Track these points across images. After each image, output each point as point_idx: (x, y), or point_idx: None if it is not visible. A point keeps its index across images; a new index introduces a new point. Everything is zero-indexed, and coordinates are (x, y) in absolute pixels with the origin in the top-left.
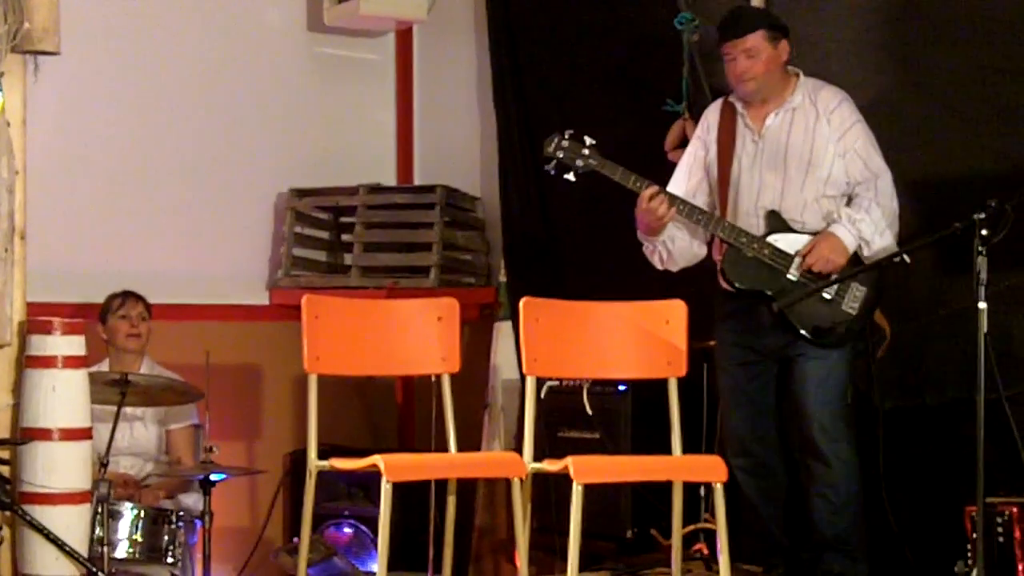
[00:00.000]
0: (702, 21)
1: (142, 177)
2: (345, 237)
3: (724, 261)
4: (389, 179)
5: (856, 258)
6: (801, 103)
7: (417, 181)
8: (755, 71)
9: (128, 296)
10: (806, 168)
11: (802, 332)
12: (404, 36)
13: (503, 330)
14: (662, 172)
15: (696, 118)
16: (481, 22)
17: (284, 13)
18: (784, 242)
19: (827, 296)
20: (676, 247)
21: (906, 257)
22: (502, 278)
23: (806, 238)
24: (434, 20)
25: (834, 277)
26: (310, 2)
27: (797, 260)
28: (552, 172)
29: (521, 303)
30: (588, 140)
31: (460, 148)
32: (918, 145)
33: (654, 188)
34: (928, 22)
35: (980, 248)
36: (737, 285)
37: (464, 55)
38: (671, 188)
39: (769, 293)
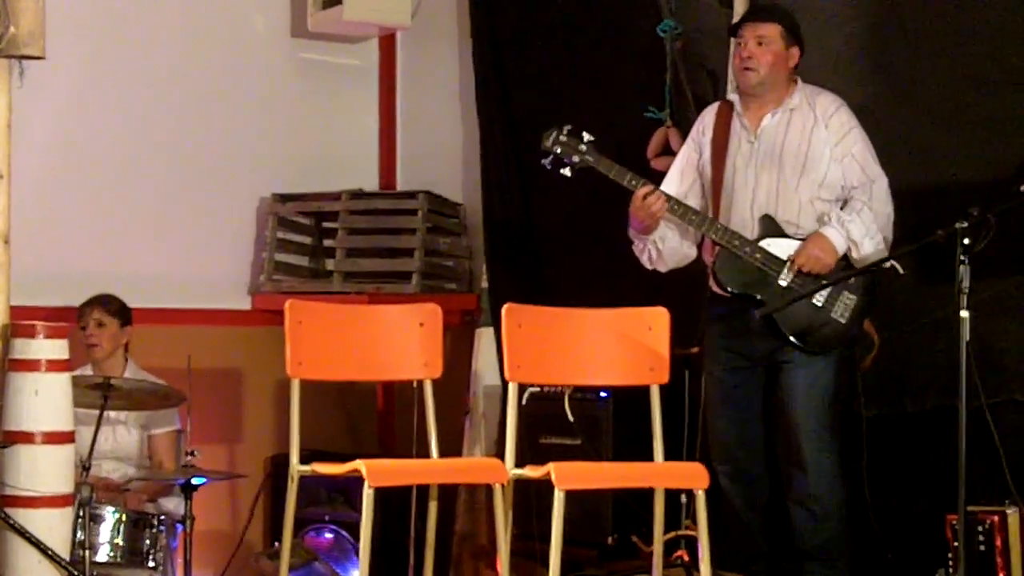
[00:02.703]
0: (685, 29)
1: (125, 181)
2: (327, 242)
3: (716, 264)
4: (372, 185)
5: (846, 261)
6: (799, 105)
7: (400, 187)
8: (761, 60)
9: (84, 307)
10: (801, 169)
11: (791, 338)
12: (387, 42)
13: (485, 336)
14: (646, 180)
15: (678, 125)
16: (464, 29)
17: (268, 19)
18: (777, 247)
19: (817, 303)
20: (666, 247)
21: (899, 267)
22: (484, 284)
23: (799, 243)
24: (417, 26)
25: (824, 283)
26: (294, 8)
27: (789, 265)
28: (548, 167)
29: (503, 309)
30: (586, 136)
31: (443, 154)
32: (901, 154)
33: (649, 186)
34: (911, 32)
35: (962, 257)
36: (728, 288)
37: (447, 61)
38: (664, 189)
39: (759, 298)
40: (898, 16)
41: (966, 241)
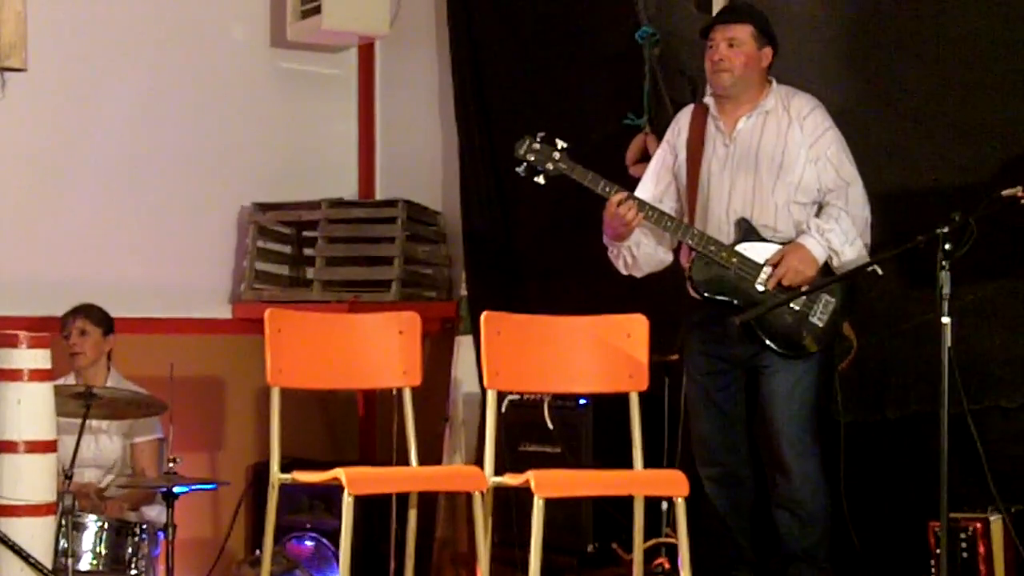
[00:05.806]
0: (663, 35)
1: (106, 191)
2: (307, 251)
3: (692, 269)
4: (351, 193)
5: (827, 269)
6: (774, 107)
7: (379, 195)
8: (733, 62)
9: (67, 316)
10: (777, 172)
11: (769, 343)
12: (366, 51)
13: (464, 344)
14: (623, 186)
15: (657, 132)
16: (443, 37)
17: (248, 29)
18: (753, 251)
19: (795, 307)
20: (641, 253)
21: (878, 268)
22: (463, 292)
23: (776, 247)
24: (396, 35)
25: (802, 289)
26: (273, 18)
27: (766, 270)
28: (522, 175)
29: (482, 317)
30: (559, 144)
31: (422, 162)
32: (881, 158)
33: (623, 193)
34: (891, 36)
35: (943, 262)
36: (704, 294)
37: (426, 70)
38: (638, 193)
39: (736, 303)
40: (878, 20)
41: (947, 246)
